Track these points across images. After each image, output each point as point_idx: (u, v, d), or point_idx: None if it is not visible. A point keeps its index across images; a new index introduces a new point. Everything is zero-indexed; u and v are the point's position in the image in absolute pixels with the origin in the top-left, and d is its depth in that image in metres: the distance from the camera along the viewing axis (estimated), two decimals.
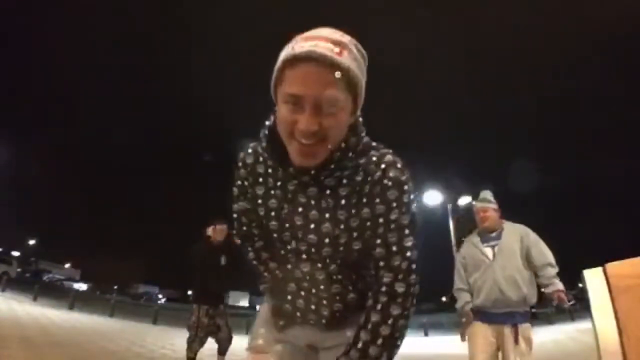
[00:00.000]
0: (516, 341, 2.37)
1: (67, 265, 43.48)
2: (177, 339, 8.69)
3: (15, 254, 36.86)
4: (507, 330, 2.40)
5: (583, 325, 12.44)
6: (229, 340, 4.46)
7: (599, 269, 1.42)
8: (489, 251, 2.59)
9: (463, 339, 2.79)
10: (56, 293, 17.73)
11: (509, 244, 2.55)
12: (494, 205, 2.70)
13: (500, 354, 2.45)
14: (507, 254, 2.52)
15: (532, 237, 2.59)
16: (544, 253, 2.53)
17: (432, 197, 14.83)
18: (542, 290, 2.52)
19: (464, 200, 14.74)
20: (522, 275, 2.47)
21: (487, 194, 2.78)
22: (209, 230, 4.33)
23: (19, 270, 25.87)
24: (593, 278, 1.42)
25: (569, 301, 2.51)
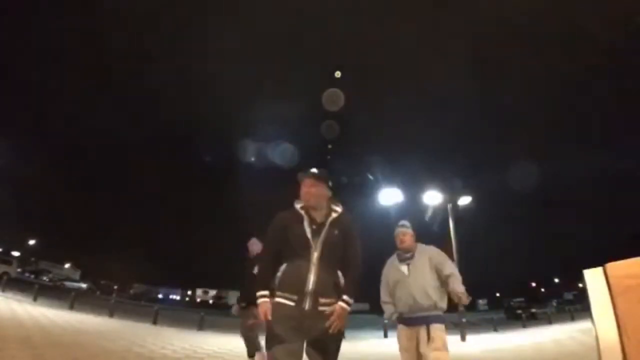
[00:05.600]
0: (429, 339, 2.87)
1: (67, 265, 43.41)
2: (177, 339, 8.69)
3: (15, 254, 36.82)
4: (422, 331, 2.90)
5: (583, 325, 12.44)
6: (249, 345, 5.00)
7: (599, 269, 1.42)
8: (404, 268, 3.15)
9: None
10: (56, 293, 17.74)
11: (420, 262, 3.12)
12: (411, 231, 3.31)
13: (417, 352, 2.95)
14: (419, 270, 3.09)
15: (439, 256, 3.18)
16: (448, 267, 3.12)
17: (432, 197, 14.81)
18: (449, 290, 3.05)
19: (464, 200, 14.76)
20: (432, 285, 3.02)
21: (406, 222, 3.38)
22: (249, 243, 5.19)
23: (19, 270, 25.84)
24: (593, 278, 1.42)
25: (467, 298, 3.06)
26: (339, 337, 2.05)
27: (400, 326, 3.05)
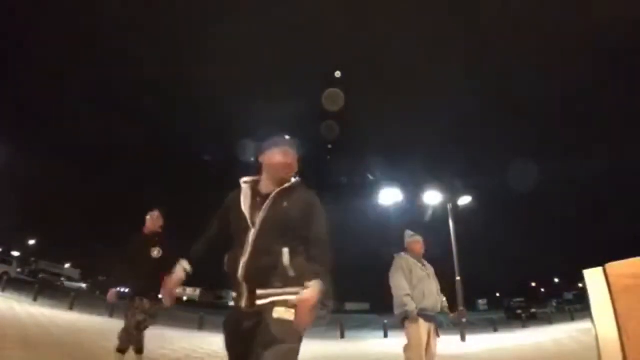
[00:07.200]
0: (437, 334, 3.41)
1: (67, 265, 43.40)
2: (177, 339, 8.70)
3: (15, 254, 36.81)
4: (432, 326, 3.38)
5: (583, 325, 12.45)
6: (135, 341, 4.08)
7: (599, 269, 1.42)
8: (426, 270, 3.54)
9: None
10: (56, 293, 17.75)
11: (432, 271, 3.62)
12: None
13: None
14: (433, 276, 3.58)
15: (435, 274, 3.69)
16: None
17: (432, 197, 14.82)
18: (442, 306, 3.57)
19: (464, 200, 14.76)
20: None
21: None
22: (147, 220, 4.06)
23: (19, 270, 25.82)
24: (593, 278, 1.42)
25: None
26: (286, 345, 1.39)
27: (421, 320, 3.29)
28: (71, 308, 12.65)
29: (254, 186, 1.73)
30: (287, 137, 1.82)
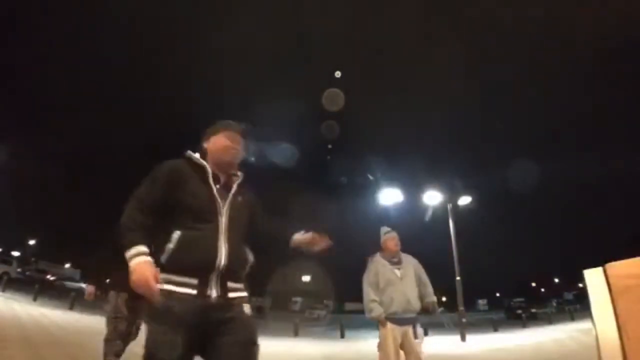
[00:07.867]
0: (415, 337, 3.24)
1: (67, 265, 43.36)
2: None
3: (15, 254, 36.79)
4: (410, 329, 3.24)
5: (583, 325, 12.45)
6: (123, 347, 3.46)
7: (599, 269, 1.42)
8: (397, 271, 3.40)
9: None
10: (56, 293, 17.74)
11: (408, 269, 3.46)
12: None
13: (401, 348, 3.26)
14: (409, 275, 3.42)
15: (419, 266, 3.56)
16: (426, 277, 3.53)
17: (432, 197, 14.81)
18: (425, 301, 3.44)
19: (464, 200, 14.76)
20: (416, 291, 3.40)
21: (391, 229, 3.63)
22: None
23: (19, 270, 25.79)
24: (593, 278, 1.42)
25: (438, 309, 3.55)
26: (254, 341, 1.46)
27: (390, 325, 3.23)
28: (71, 308, 12.64)
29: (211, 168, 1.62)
30: (232, 122, 1.72)
